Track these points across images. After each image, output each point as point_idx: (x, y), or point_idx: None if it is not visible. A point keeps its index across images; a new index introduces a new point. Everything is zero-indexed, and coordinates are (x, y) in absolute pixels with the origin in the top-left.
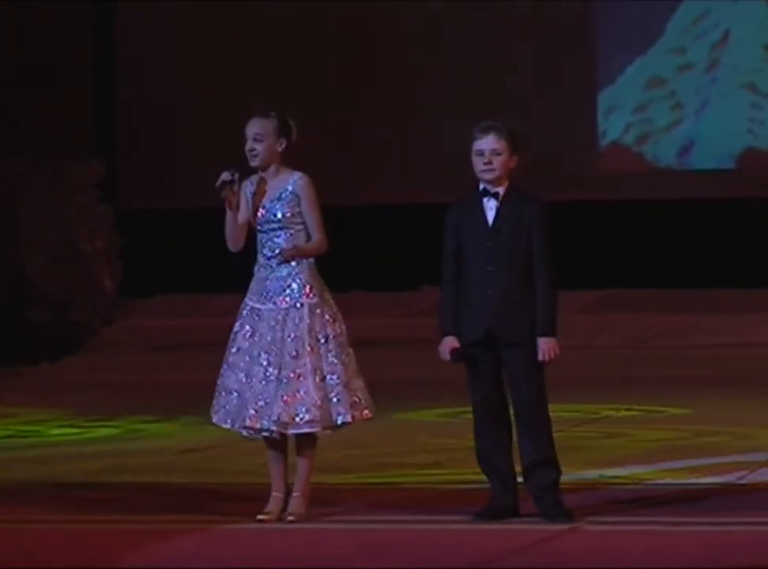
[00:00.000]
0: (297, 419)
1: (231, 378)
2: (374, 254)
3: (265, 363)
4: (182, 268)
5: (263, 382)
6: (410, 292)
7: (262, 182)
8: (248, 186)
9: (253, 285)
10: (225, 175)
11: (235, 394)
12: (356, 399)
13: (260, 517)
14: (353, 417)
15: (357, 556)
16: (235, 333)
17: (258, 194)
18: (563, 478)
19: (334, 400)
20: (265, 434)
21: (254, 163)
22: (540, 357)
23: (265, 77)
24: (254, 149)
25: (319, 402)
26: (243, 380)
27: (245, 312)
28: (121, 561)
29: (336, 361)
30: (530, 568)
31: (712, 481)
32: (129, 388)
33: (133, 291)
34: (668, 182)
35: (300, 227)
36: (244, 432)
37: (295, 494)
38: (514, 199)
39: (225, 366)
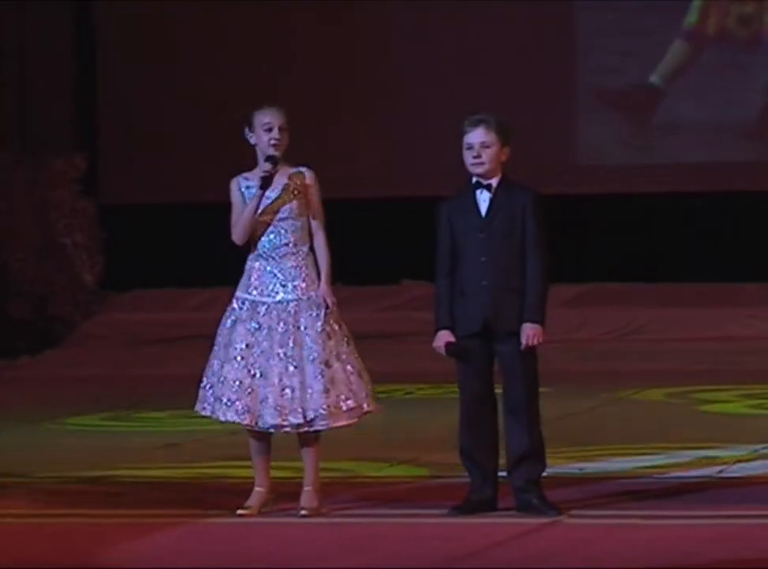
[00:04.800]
0: (344, 406)
1: (241, 372)
2: (354, 247)
3: (282, 357)
4: (163, 262)
5: (284, 378)
6: (390, 286)
7: (296, 175)
8: (243, 182)
9: (251, 279)
10: (271, 168)
11: (249, 390)
12: (368, 388)
13: (240, 511)
14: (374, 406)
15: (335, 551)
16: (231, 327)
17: (291, 188)
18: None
19: (354, 387)
20: (287, 429)
21: (277, 153)
22: (524, 342)
23: (248, 72)
24: (280, 139)
25: (354, 387)
26: (258, 376)
27: (244, 306)
28: (100, 556)
29: (347, 349)
30: (511, 562)
31: (692, 475)
32: (108, 382)
33: (114, 285)
34: (649, 175)
35: (303, 219)
36: (261, 426)
37: (306, 488)
38: (507, 190)
39: (215, 361)
